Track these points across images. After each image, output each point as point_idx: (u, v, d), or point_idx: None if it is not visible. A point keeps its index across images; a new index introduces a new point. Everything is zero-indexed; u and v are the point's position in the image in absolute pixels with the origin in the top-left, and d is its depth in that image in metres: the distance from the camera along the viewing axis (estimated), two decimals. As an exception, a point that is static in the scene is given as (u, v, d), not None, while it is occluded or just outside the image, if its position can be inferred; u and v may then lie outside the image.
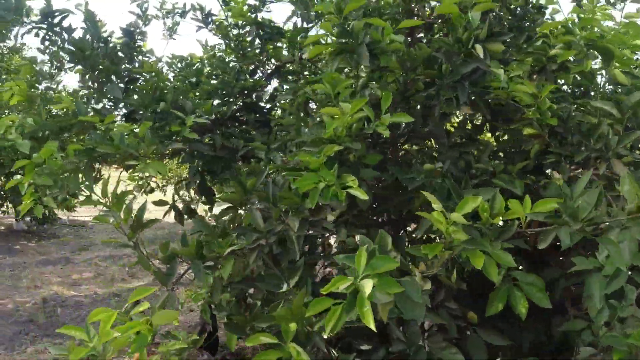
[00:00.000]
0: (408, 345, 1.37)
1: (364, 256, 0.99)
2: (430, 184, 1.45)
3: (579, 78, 1.83)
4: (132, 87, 2.43)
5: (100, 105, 2.49)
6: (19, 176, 1.76)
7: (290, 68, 3.25)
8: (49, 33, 2.30)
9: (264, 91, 2.86)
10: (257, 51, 3.18)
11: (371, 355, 1.41)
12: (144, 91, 2.28)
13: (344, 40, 1.50)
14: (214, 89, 2.79)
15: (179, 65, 3.13)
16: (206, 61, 3.12)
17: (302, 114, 1.88)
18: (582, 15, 1.66)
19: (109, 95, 2.45)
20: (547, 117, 1.63)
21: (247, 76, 2.97)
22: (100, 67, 2.27)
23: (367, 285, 0.93)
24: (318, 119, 1.74)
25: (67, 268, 4.99)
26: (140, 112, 2.26)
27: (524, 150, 1.88)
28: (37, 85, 2.60)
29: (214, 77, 3.08)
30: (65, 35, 2.28)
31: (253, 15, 2.92)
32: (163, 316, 1.16)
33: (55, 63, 2.51)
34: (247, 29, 2.98)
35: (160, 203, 2.95)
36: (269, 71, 3.19)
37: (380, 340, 1.48)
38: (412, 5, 1.86)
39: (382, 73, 1.52)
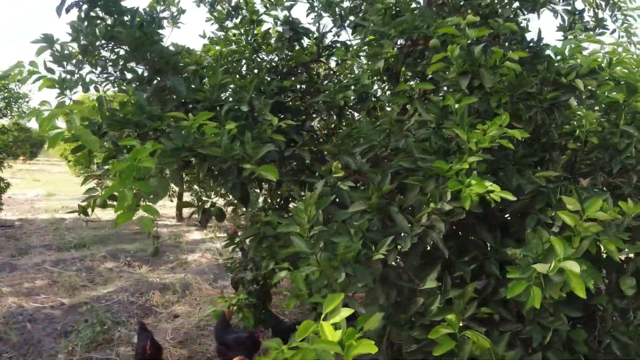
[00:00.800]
0: (526, 324, 1.64)
1: (560, 244, 1.23)
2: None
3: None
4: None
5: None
6: (109, 181, 1.57)
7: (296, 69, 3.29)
8: (95, 11, 2.02)
9: (301, 91, 2.87)
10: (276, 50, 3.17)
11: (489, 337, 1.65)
12: (207, 86, 2.15)
13: (463, 62, 1.70)
14: (244, 85, 2.73)
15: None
16: (228, 56, 3.01)
17: (397, 120, 2.01)
18: (614, 58, 2.12)
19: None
20: (583, 135, 2.07)
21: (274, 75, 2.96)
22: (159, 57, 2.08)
23: (575, 266, 1.17)
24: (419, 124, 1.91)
25: (15, 275, 4.24)
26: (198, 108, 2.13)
27: (548, 160, 2.31)
28: (53, 69, 2.25)
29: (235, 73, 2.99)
30: (116, 17, 2.03)
31: (287, 14, 2.90)
32: (370, 321, 1.23)
33: (88, 45, 2.20)
34: (279, 27, 2.96)
35: (185, 205, 2.80)
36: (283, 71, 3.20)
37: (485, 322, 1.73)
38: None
39: (491, 94, 1.76)
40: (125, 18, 2.22)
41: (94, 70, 2.55)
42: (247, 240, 2.81)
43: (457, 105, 1.68)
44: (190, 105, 2.21)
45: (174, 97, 2.13)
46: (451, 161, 1.65)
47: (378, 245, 1.49)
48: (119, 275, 4.73)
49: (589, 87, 2.09)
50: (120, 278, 4.63)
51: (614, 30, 2.91)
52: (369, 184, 1.64)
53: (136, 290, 4.27)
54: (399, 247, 1.63)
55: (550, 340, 1.64)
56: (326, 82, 3.27)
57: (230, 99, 2.21)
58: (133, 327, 3.64)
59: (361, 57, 3.54)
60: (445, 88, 2.18)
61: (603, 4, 2.91)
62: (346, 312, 1.21)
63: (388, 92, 3.13)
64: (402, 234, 1.52)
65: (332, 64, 3.56)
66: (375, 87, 3.04)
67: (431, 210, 1.57)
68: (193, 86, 2.16)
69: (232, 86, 2.28)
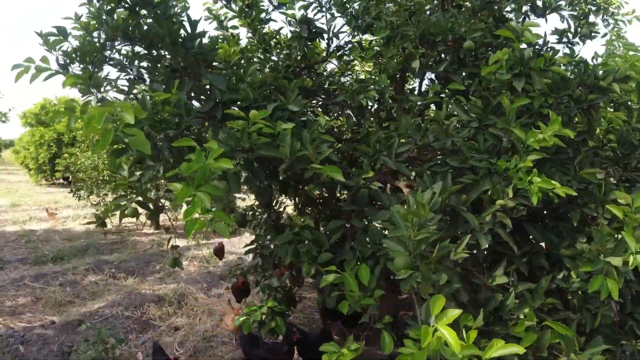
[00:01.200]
0: (576, 312, 1.73)
1: (632, 238, 1.32)
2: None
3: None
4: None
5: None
6: (178, 185, 1.45)
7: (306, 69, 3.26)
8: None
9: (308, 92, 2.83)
10: (286, 50, 3.13)
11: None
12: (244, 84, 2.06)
13: (513, 64, 1.77)
14: (285, 85, 2.64)
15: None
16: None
17: (440, 122, 2.04)
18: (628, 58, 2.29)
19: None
20: (600, 133, 2.23)
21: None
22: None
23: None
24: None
25: (-7, 295, 3.82)
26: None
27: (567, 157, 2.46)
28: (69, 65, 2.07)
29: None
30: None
31: (304, 13, 2.85)
32: (478, 320, 1.23)
33: (106, 41, 2.04)
34: (292, 27, 2.90)
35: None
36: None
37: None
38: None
39: (534, 95, 1.84)
40: (144, 12, 2.10)
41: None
42: (272, 246, 2.74)
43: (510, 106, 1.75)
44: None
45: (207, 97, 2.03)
46: (506, 160, 1.71)
47: (457, 245, 1.51)
48: (106, 288, 4.42)
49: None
50: (108, 291, 4.32)
51: (605, 34, 3.15)
52: (420, 184, 1.65)
53: (129, 303, 4.01)
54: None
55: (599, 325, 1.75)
56: (328, 82, 3.25)
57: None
58: (134, 344, 3.42)
59: (365, 59, 3.55)
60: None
61: (594, 9, 3.14)
62: (455, 312, 1.19)
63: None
64: (476, 232, 1.55)
65: (335, 66, 3.55)
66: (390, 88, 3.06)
67: (498, 207, 1.61)
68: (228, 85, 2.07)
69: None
